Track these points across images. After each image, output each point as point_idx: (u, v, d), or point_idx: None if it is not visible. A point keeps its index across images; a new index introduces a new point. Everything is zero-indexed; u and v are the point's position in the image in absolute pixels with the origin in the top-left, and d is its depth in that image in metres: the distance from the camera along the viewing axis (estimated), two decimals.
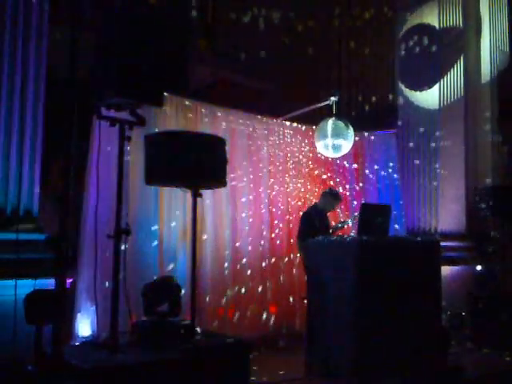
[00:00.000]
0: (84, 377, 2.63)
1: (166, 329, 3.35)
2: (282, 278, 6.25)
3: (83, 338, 4.50)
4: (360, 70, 8.85)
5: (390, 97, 7.94)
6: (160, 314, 3.42)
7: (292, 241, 6.34)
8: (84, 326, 4.62)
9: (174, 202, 5.35)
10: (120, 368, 2.80)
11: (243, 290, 5.83)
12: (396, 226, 7.01)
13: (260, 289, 6.00)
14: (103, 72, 3.19)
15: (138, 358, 2.89)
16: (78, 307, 4.63)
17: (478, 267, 6.67)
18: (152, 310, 3.42)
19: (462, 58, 7.34)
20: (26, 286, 3.36)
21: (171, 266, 5.20)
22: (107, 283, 3.31)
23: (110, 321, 3.10)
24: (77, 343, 4.34)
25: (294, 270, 6.32)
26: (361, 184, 7.31)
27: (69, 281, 3.97)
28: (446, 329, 4.97)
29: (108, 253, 3.46)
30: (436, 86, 7.33)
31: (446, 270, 5.75)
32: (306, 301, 5.07)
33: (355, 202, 7.12)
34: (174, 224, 5.34)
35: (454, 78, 7.35)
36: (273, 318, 6.05)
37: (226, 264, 5.71)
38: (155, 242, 5.16)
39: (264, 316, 5.95)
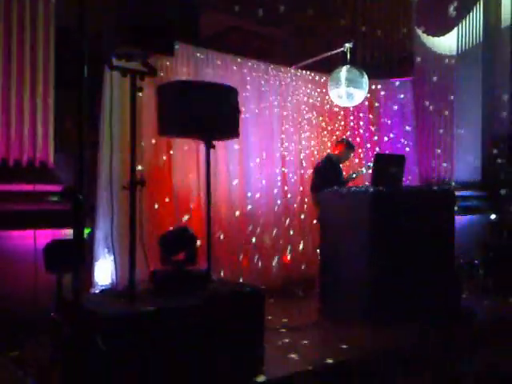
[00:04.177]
0: (103, 323, 2.71)
1: (183, 277, 3.42)
2: (295, 226, 6.30)
3: (102, 286, 4.62)
4: (375, 16, 8.59)
5: (407, 43, 7.72)
6: (177, 263, 3.48)
7: (303, 189, 6.37)
8: (103, 275, 4.73)
9: (187, 154, 5.36)
10: (138, 315, 2.88)
11: (257, 239, 5.89)
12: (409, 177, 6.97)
13: (273, 236, 6.06)
14: (113, 21, 3.13)
15: (156, 305, 2.96)
16: (96, 256, 4.73)
17: (492, 216, 6.65)
18: (169, 259, 3.48)
19: (481, 1, 7.09)
20: (44, 235, 3.44)
21: (186, 217, 5.26)
22: (124, 233, 3.36)
23: (128, 270, 3.17)
24: (96, 291, 4.46)
25: (306, 218, 6.36)
26: (375, 134, 7.23)
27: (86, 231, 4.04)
28: (458, 276, 5.02)
29: (124, 203, 3.50)
30: (454, 31, 7.11)
31: (460, 219, 5.74)
32: (318, 250, 5.14)
33: (369, 153, 7.07)
34: (187, 175, 5.36)
35: (473, 22, 7.11)
36: (286, 266, 6.14)
37: (239, 212, 5.76)
38: (169, 193, 5.20)
39: (277, 263, 6.04)
